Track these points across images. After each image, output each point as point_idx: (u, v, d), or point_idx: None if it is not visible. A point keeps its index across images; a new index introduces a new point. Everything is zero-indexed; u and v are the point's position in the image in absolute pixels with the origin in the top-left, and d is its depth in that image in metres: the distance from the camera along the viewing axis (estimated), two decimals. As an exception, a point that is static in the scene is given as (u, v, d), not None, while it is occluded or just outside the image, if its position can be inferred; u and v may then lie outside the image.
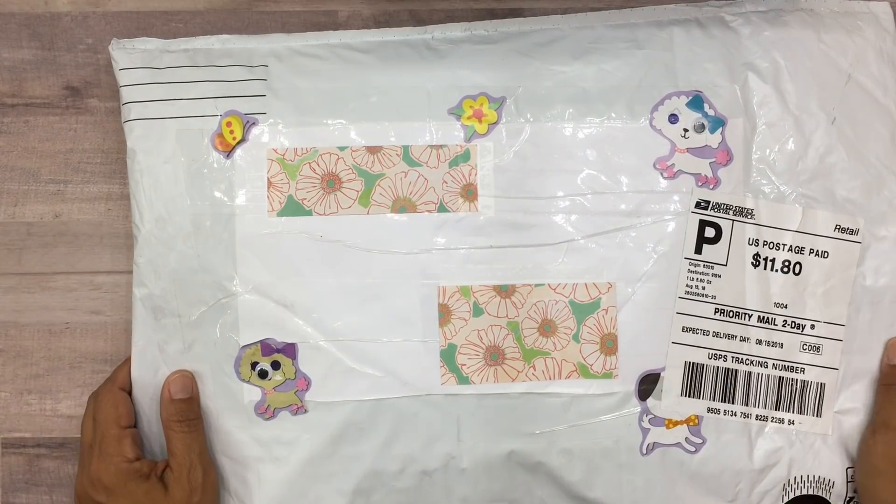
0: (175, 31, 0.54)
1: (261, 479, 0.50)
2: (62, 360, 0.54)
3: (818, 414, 0.50)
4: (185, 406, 0.49)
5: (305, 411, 0.50)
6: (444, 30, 0.51)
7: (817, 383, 0.50)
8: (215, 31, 0.54)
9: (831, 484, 0.50)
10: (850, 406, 0.51)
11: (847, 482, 0.51)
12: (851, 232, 0.50)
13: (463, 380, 0.49)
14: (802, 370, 0.50)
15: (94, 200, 0.54)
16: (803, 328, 0.50)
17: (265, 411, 0.50)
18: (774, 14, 0.51)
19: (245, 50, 0.51)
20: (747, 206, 0.50)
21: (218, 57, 0.51)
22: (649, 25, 0.51)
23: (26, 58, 0.54)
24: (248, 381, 0.50)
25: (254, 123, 0.50)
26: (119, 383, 0.50)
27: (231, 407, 0.50)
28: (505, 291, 0.50)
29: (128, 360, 0.51)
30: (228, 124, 0.50)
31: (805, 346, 0.50)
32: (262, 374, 0.50)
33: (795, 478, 0.50)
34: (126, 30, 0.54)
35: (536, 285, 0.50)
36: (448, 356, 0.49)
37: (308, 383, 0.50)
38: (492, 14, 0.54)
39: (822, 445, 0.50)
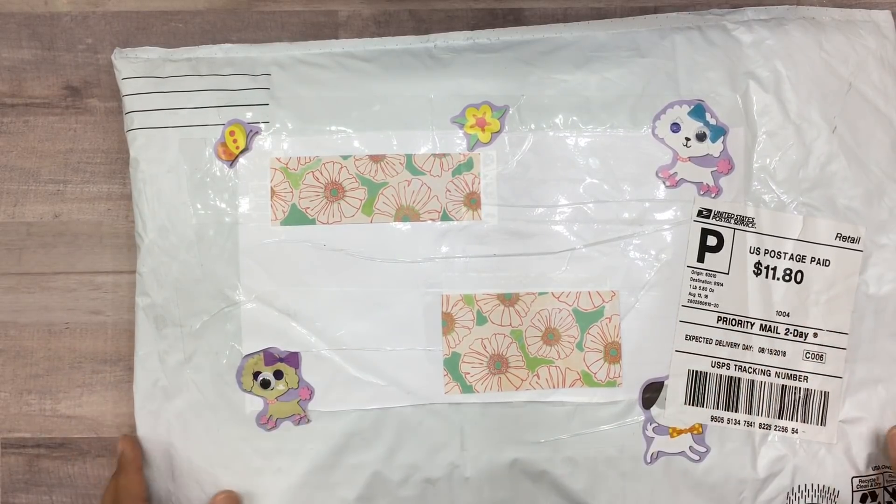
0: (175, 30, 0.54)
1: (263, 491, 0.50)
2: (62, 360, 0.54)
3: (822, 423, 0.50)
4: None
5: (308, 421, 0.49)
6: (447, 38, 0.51)
7: (821, 392, 0.50)
8: (215, 30, 0.54)
9: (836, 493, 0.50)
10: (855, 415, 0.50)
11: (853, 492, 0.51)
12: (853, 240, 0.50)
13: (467, 388, 0.49)
14: (805, 378, 0.50)
15: (94, 200, 0.54)
16: (806, 336, 0.50)
17: (267, 422, 0.50)
18: (776, 22, 0.51)
19: (248, 59, 0.51)
20: (748, 215, 0.50)
21: (220, 66, 0.51)
22: (651, 33, 0.51)
23: (26, 58, 0.54)
24: (249, 392, 0.50)
25: (257, 132, 0.50)
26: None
27: (232, 418, 0.50)
28: (508, 300, 0.50)
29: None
30: (231, 133, 0.50)
31: (808, 355, 0.50)
32: (265, 384, 0.50)
33: (799, 486, 0.50)
34: (126, 30, 0.54)
35: (540, 294, 0.50)
36: (452, 365, 0.49)
37: (311, 393, 0.49)
38: (492, 14, 0.54)
39: (826, 454, 0.50)
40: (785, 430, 0.50)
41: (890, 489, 0.51)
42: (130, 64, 0.51)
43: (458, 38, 0.51)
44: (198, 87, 0.51)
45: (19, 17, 0.54)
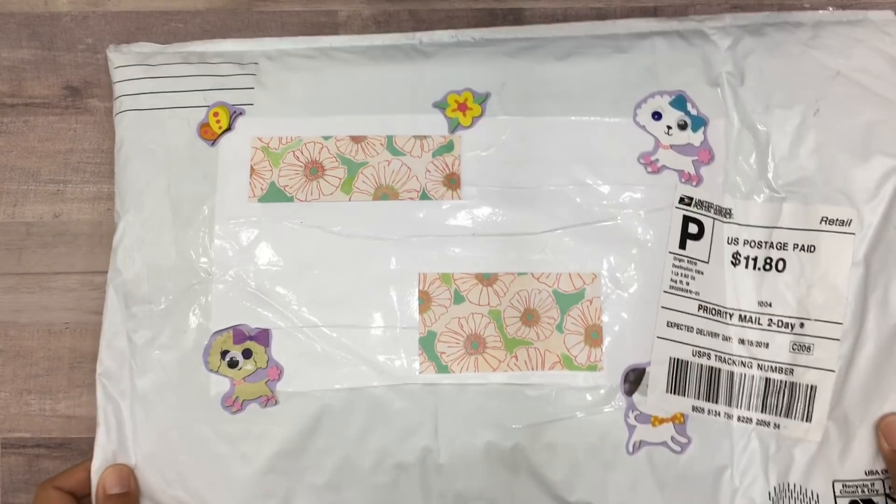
0: (175, 30, 0.55)
1: (227, 478, 0.47)
2: (62, 360, 0.53)
3: (807, 418, 0.48)
4: (121, 502, 0.46)
5: (276, 403, 0.47)
6: (432, 36, 0.52)
7: (807, 385, 0.48)
8: (215, 30, 0.55)
9: (815, 497, 0.47)
10: (849, 413, 0.48)
11: (835, 497, 0.47)
12: (841, 223, 0.49)
13: (442, 368, 0.47)
14: (791, 371, 0.48)
15: (94, 200, 0.54)
16: (792, 327, 0.48)
17: (233, 404, 0.47)
18: (755, 27, 0.52)
19: (237, 52, 0.52)
20: (725, 206, 0.49)
21: (210, 56, 0.52)
22: (631, 35, 0.52)
23: (26, 58, 0.55)
24: (216, 372, 0.48)
25: (240, 113, 0.50)
26: (58, 482, 0.47)
27: (197, 401, 0.48)
28: (487, 280, 0.48)
29: (83, 464, 0.48)
30: (215, 114, 0.50)
31: (794, 346, 0.48)
32: (232, 364, 0.48)
33: (780, 485, 0.47)
34: (126, 30, 0.55)
35: (519, 274, 0.48)
36: (427, 344, 0.48)
37: (280, 372, 0.48)
38: (491, 14, 0.55)
39: (806, 452, 0.48)
40: (766, 424, 0.48)
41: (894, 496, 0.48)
42: (123, 55, 0.52)
43: (443, 37, 0.52)
44: (186, 73, 0.51)
45: (19, 17, 0.55)
